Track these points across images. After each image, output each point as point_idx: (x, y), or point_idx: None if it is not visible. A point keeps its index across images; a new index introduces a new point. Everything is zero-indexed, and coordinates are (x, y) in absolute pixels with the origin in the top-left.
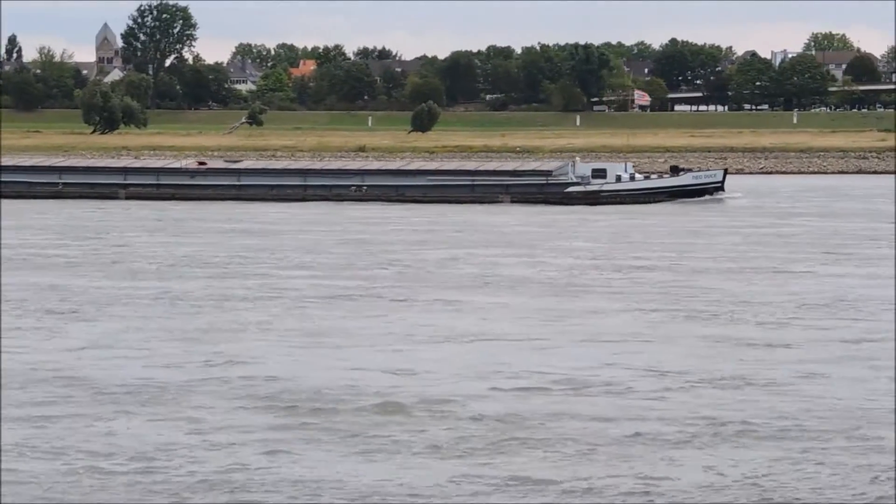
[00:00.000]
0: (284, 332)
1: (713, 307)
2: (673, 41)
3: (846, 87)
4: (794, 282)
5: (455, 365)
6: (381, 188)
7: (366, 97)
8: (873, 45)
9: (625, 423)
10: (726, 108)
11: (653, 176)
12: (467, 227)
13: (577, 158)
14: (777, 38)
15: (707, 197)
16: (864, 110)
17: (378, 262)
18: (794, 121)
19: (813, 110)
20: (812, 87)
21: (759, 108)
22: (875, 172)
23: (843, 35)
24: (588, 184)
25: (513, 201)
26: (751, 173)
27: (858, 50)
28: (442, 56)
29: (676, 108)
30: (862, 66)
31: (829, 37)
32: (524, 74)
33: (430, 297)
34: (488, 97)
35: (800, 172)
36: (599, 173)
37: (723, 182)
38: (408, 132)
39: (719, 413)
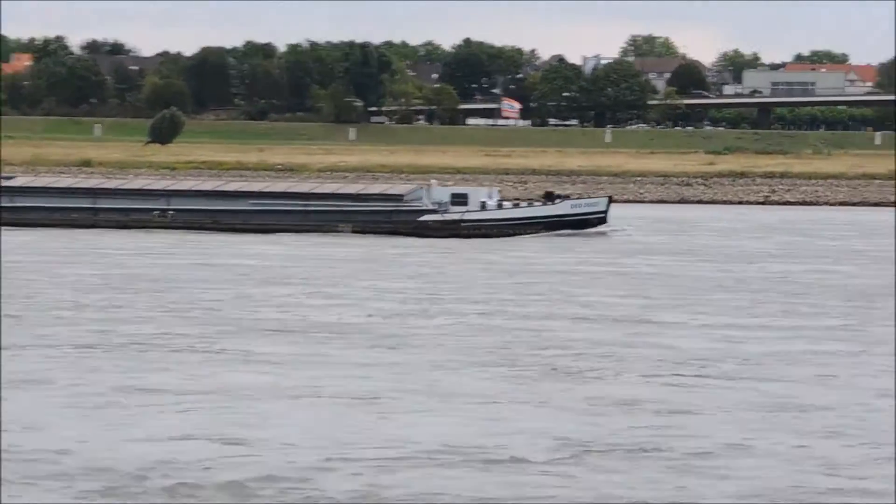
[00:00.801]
0: (54, 390)
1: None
2: (466, 42)
3: (668, 101)
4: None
5: (289, 430)
6: (191, 213)
7: (93, 100)
8: (701, 51)
9: None
10: (528, 122)
11: (523, 203)
12: (291, 262)
13: (434, 181)
14: (589, 42)
15: (590, 230)
16: (690, 128)
17: (161, 304)
18: (607, 139)
19: (629, 127)
20: (629, 100)
21: (566, 123)
22: (701, 202)
23: (667, 39)
24: (446, 211)
25: (355, 231)
26: None
27: (684, 57)
28: (188, 53)
29: (469, 121)
30: (687, 76)
31: (649, 41)
32: (288, 77)
33: (229, 345)
34: (244, 104)
35: (614, 200)
36: (460, 199)
37: (606, 212)
38: (144, 144)
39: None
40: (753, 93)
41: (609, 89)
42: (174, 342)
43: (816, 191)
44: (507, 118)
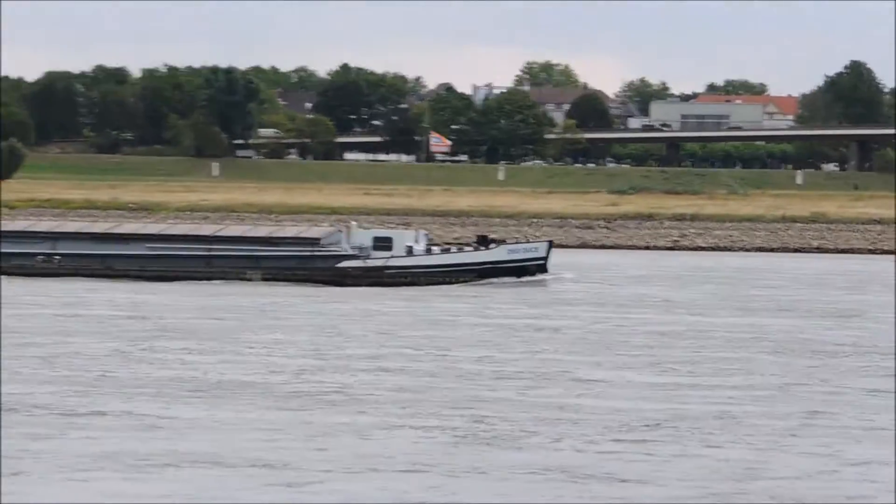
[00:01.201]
0: None
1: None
2: (344, 68)
3: (568, 135)
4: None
5: None
6: (80, 258)
7: None
8: (604, 80)
9: None
10: (413, 157)
11: (453, 249)
12: (169, 312)
13: (354, 223)
14: (480, 69)
15: (527, 278)
16: (591, 165)
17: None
18: (500, 176)
19: (524, 163)
20: (524, 134)
21: (455, 158)
22: (604, 246)
23: (566, 66)
24: (368, 256)
25: (265, 278)
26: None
27: (585, 86)
28: (31, 78)
29: (347, 155)
30: (589, 108)
31: (546, 68)
32: (144, 106)
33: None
34: (93, 135)
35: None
36: (383, 243)
37: (546, 259)
38: None
39: None
40: (662, 126)
41: (502, 121)
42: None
43: (731, 235)
44: (435, 153)
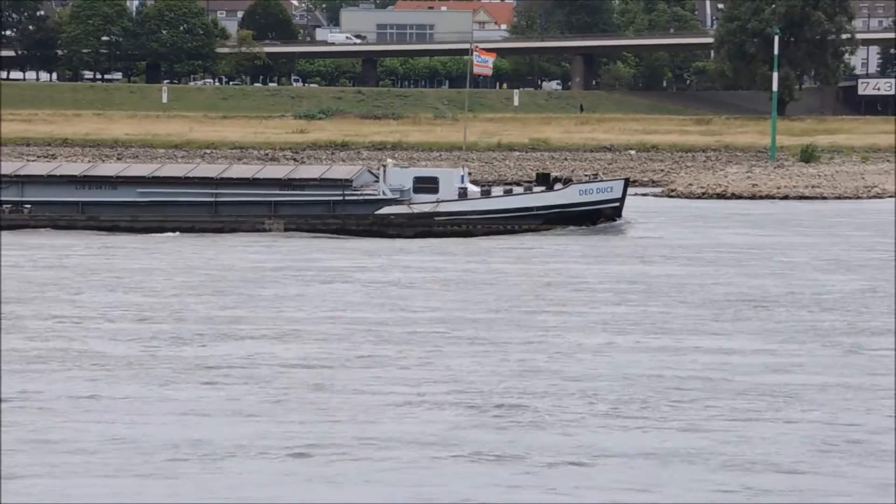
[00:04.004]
0: None
1: None
2: None
3: (244, 48)
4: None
5: None
6: (56, 207)
7: None
8: None
9: None
10: (54, 76)
11: (516, 190)
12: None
13: (390, 161)
14: None
15: (604, 224)
16: (273, 85)
17: None
18: (165, 99)
19: (193, 83)
20: (190, 47)
21: (108, 77)
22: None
23: None
24: (410, 201)
25: (288, 229)
26: None
27: None
28: None
29: None
30: (268, 17)
31: None
32: None
33: None
34: None
35: None
36: (427, 184)
37: (622, 201)
38: None
39: None
40: (355, 38)
41: (164, 32)
42: None
43: (440, 166)
44: (477, 75)
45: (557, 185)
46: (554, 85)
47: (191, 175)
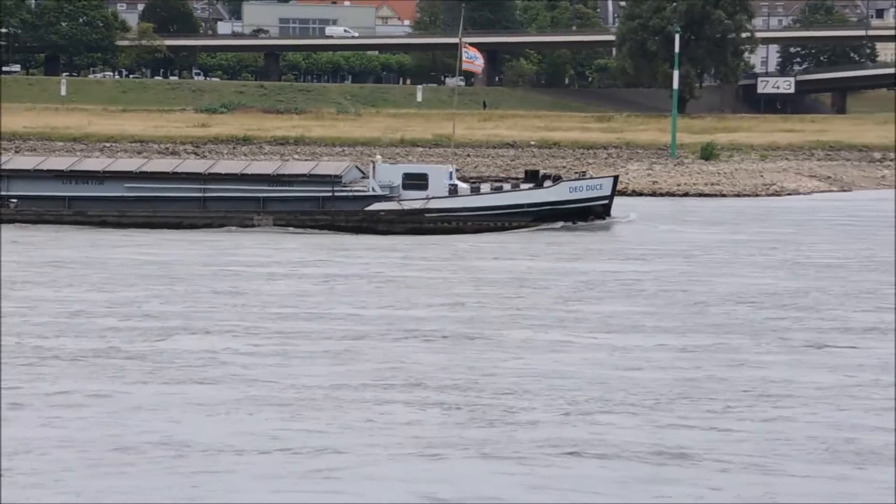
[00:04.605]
0: None
1: None
2: None
3: (144, 41)
4: None
5: None
6: (42, 202)
7: None
8: None
9: None
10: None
11: (505, 187)
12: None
13: (379, 157)
14: None
15: (594, 221)
16: (174, 78)
17: None
18: (63, 91)
19: (93, 76)
20: (90, 40)
21: (7, 69)
22: None
23: None
24: (400, 197)
25: (277, 224)
26: None
27: None
28: None
29: None
30: (168, 10)
31: None
32: None
33: None
34: None
35: None
36: (416, 181)
37: (611, 198)
38: None
39: None
40: (258, 32)
41: (63, 24)
42: None
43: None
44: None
45: (547, 183)
46: (457, 81)
47: (179, 170)
